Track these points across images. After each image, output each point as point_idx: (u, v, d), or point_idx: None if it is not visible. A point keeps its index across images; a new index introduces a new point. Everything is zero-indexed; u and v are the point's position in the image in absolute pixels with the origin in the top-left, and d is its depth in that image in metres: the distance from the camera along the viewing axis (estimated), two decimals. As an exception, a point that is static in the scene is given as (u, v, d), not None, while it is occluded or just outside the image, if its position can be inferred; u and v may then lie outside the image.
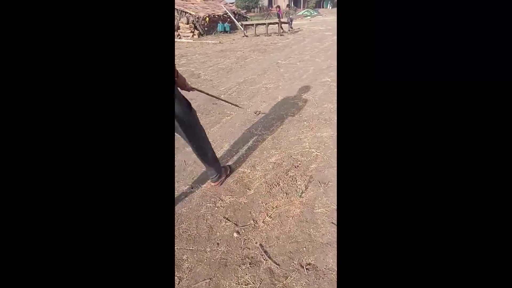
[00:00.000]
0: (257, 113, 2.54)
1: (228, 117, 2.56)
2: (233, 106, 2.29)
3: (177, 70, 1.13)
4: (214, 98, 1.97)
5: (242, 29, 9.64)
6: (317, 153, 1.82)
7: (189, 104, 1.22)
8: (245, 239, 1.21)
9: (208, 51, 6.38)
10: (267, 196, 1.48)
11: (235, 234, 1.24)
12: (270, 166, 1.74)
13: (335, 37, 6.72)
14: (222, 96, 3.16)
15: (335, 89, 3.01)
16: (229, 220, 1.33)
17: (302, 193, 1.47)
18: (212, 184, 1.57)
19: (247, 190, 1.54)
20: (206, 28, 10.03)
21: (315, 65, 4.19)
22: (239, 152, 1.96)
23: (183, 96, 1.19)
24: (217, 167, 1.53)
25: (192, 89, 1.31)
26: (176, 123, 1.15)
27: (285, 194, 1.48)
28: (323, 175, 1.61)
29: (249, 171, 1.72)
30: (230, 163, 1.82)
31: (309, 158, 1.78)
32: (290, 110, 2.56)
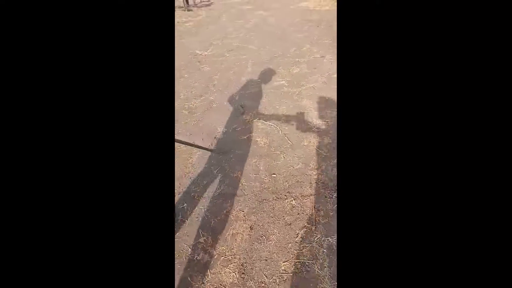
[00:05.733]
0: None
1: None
2: None
3: None
4: None
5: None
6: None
7: None
8: None
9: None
10: None
11: None
12: None
13: (260, 12, 5.46)
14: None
15: (301, 103, 1.90)
16: None
17: None
18: None
19: None
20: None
21: (251, 55, 2.93)
22: None
23: None
24: None
25: None
26: None
27: None
28: None
29: None
30: None
31: None
32: (231, 184, 1.33)
